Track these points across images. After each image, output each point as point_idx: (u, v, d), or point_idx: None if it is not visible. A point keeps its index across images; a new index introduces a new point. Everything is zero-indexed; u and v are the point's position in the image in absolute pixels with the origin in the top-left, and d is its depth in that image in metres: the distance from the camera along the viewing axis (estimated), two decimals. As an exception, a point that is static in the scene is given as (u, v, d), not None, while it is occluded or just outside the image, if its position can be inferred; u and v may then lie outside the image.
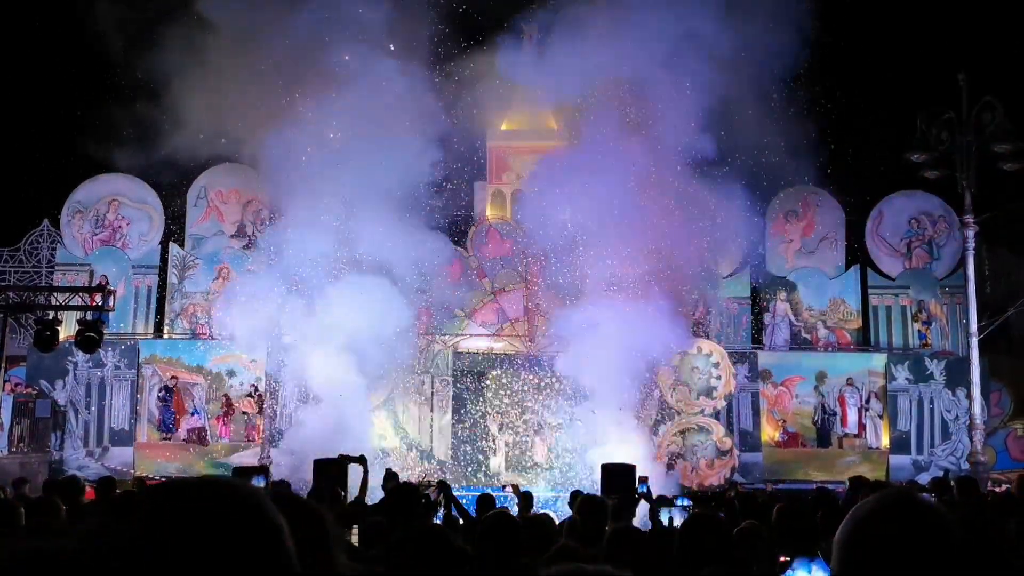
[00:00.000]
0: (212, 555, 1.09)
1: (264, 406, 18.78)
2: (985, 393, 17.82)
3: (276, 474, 13.64)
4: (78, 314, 15.87)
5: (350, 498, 9.07)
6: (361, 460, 9.83)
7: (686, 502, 8.70)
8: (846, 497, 9.13)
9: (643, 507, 8.83)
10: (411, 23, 17.27)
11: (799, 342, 20.63)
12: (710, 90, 16.16)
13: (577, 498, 7.25)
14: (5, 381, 16.71)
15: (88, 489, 9.04)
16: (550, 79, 17.10)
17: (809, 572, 4.96)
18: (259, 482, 9.91)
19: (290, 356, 17.40)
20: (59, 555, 1.37)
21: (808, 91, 16.39)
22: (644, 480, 10.57)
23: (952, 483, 10.25)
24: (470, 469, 18.36)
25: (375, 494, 9.37)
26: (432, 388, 18.89)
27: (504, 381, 18.77)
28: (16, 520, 5.33)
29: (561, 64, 16.75)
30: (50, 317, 15.31)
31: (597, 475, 12.28)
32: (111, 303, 15.80)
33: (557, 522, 6.49)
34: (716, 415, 18.71)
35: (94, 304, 15.46)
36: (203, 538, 1.10)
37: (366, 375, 16.99)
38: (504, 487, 12.61)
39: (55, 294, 16.06)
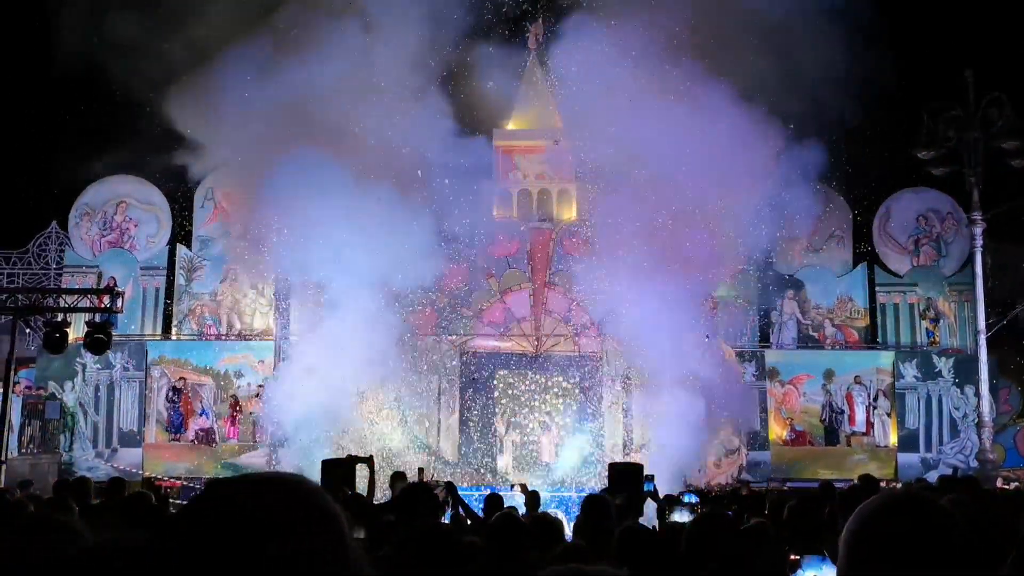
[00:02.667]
0: (288, 548, 1.10)
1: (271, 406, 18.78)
2: (994, 390, 17.78)
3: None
4: (87, 316, 15.89)
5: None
6: (369, 461, 9.85)
7: (693, 499, 8.69)
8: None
9: (650, 505, 8.82)
10: (413, 23, 17.27)
11: (806, 340, 20.59)
12: (714, 90, 16.13)
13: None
14: (15, 383, 16.76)
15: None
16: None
17: (820, 571, 4.96)
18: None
19: (297, 356, 17.41)
20: (137, 550, 1.38)
21: (811, 90, 16.33)
22: (650, 479, 10.54)
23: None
24: (477, 468, 18.36)
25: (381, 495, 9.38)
26: (439, 388, 18.88)
27: (511, 381, 18.77)
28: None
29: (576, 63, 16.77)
30: (59, 319, 15.33)
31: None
32: (119, 305, 15.79)
33: (566, 522, 6.49)
34: (723, 414, 18.68)
35: (102, 306, 15.47)
36: (277, 532, 1.11)
37: (374, 376, 16.98)
38: (512, 487, 12.63)
39: (64, 296, 16.08)
